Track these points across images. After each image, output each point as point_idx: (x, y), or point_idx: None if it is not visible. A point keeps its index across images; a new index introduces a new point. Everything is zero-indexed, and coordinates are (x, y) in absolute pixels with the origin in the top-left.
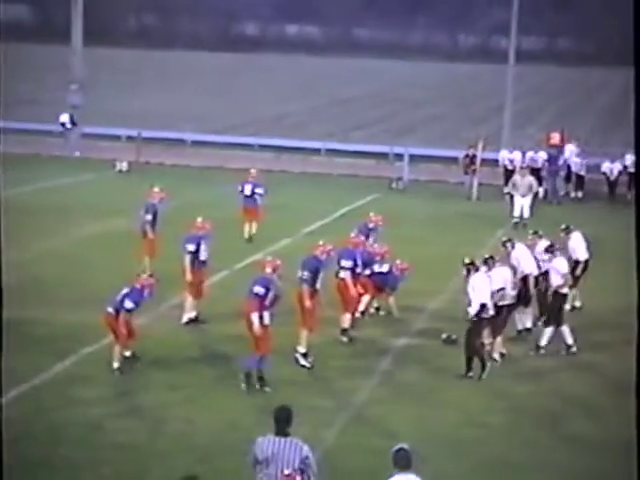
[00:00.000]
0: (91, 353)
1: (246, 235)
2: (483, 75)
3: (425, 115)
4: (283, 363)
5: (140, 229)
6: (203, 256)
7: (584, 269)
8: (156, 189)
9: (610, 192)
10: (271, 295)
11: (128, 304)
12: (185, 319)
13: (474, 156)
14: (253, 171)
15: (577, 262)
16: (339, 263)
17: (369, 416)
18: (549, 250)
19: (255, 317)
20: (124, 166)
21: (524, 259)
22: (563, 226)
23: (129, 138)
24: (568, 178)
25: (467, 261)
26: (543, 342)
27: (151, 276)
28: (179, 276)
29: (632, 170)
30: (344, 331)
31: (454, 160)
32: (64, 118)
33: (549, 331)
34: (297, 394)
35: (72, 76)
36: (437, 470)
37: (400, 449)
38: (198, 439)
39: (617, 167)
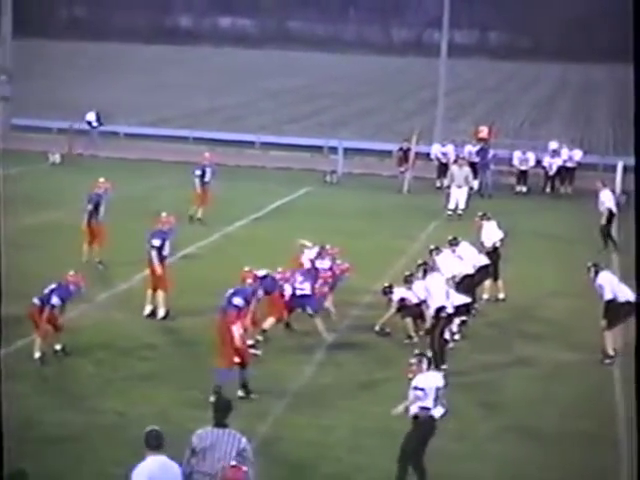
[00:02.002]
0: (22, 347)
1: (191, 212)
2: (416, 69)
3: (359, 108)
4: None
5: (85, 219)
6: (166, 251)
7: (497, 257)
8: (101, 179)
9: (546, 186)
10: (250, 307)
11: (54, 300)
12: (147, 311)
13: (408, 149)
14: (207, 154)
15: (494, 249)
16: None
17: (303, 409)
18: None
19: (236, 329)
20: (57, 158)
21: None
22: (480, 213)
23: (61, 130)
24: (559, 174)
25: (420, 262)
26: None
27: (100, 263)
28: (118, 266)
29: (569, 165)
30: (264, 331)
31: (387, 153)
32: (90, 117)
33: None
34: (231, 387)
35: (1, 67)
36: (370, 462)
37: (152, 430)
38: (131, 432)
39: (557, 162)
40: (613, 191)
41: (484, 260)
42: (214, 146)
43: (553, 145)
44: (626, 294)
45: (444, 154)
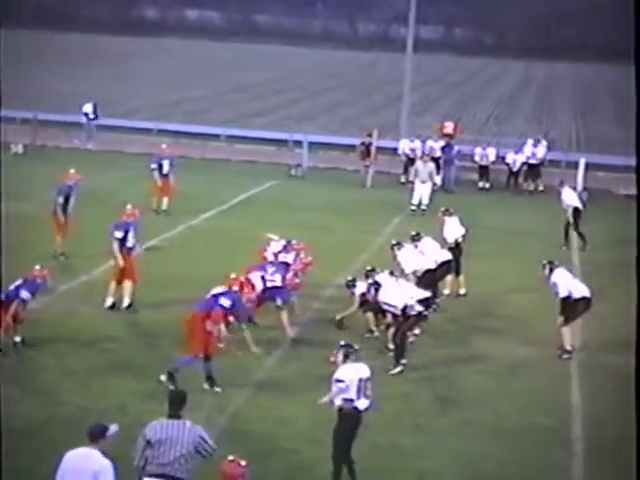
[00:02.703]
0: None
1: (154, 206)
2: (382, 63)
3: (325, 103)
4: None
5: (53, 210)
6: (130, 243)
7: (459, 252)
8: (72, 171)
9: (509, 182)
10: (235, 311)
11: (24, 294)
12: (109, 303)
13: (370, 144)
14: (163, 146)
15: (456, 244)
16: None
17: (261, 401)
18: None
19: (223, 328)
20: (20, 149)
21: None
22: (442, 209)
23: (24, 121)
24: (531, 171)
25: (369, 268)
26: None
27: (62, 255)
28: (80, 259)
29: (533, 162)
30: None
31: (352, 147)
32: (87, 108)
33: None
34: (190, 379)
35: None
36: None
37: (97, 424)
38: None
39: (520, 159)
40: (574, 188)
41: (446, 255)
42: (179, 138)
43: (530, 142)
44: (581, 290)
45: (412, 150)
